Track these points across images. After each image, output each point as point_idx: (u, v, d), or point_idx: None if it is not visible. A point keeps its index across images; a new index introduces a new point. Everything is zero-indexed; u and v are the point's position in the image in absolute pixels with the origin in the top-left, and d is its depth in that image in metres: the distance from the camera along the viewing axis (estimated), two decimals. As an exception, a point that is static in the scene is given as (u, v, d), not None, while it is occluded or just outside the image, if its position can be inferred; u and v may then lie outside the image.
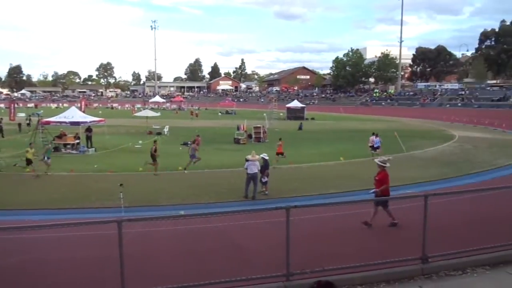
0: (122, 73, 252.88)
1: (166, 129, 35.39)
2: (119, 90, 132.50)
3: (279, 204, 6.23)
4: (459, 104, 66.19)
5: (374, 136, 22.97)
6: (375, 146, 22.55)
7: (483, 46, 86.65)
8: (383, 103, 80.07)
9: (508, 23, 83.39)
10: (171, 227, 8.93)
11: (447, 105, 67.60)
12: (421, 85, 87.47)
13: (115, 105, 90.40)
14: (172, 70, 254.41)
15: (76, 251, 7.56)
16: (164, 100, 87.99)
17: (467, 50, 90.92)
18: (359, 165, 20.57)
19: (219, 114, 65.45)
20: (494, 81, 77.20)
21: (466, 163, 20.76)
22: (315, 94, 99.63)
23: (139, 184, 15.74)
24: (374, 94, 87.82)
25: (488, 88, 70.25)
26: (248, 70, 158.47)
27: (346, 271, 5.76)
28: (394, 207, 8.66)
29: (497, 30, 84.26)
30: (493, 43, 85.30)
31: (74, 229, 7.85)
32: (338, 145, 28.46)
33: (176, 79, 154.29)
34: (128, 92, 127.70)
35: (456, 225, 8.27)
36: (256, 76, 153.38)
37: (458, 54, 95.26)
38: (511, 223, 7.82)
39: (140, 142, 27.78)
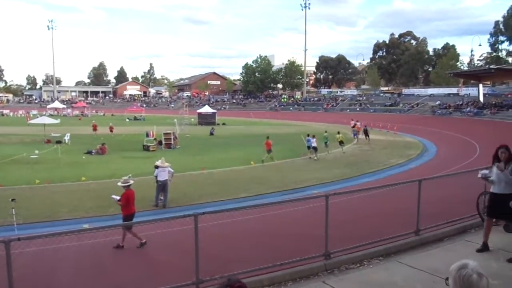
0: (14, 77, 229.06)
1: (67, 137, 32.90)
2: (10, 95, 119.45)
3: (190, 211, 6.19)
4: (358, 109, 72.10)
5: (311, 137, 25.22)
6: (312, 145, 24.74)
7: (376, 56, 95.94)
8: (291, 108, 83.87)
9: (396, 36, 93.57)
10: (75, 243, 8.32)
11: (347, 110, 73.20)
12: (324, 91, 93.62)
13: (5, 111, 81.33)
14: (74, 74, 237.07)
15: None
16: (64, 106, 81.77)
17: (363, 60, 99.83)
18: (269, 169, 21.29)
19: (127, 120, 62.68)
20: (386, 88, 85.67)
21: (364, 163, 22.67)
22: (226, 100, 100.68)
23: (35, 198, 14.40)
24: (282, 100, 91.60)
25: (382, 95, 77.69)
26: (158, 75, 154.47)
27: (254, 273, 5.93)
28: (301, 207, 9.12)
29: (387, 42, 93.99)
30: (384, 53, 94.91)
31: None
32: (249, 149, 29.09)
33: (78, 83, 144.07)
34: (22, 98, 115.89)
35: (354, 221, 9.00)
36: (166, 81, 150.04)
37: (355, 63, 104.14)
38: (400, 217, 8.74)
39: (37, 151, 25.38)
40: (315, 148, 24.87)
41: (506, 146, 6.41)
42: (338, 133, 30.29)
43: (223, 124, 56.22)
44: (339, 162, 23.71)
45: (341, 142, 28.24)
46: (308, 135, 26.06)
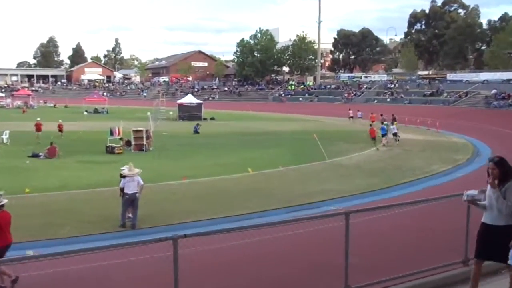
0: None
1: (5, 135, 32.94)
2: None
3: (168, 233, 6.21)
4: (388, 99, 72.43)
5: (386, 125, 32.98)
6: (393, 132, 32.67)
7: (413, 30, 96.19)
8: (300, 98, 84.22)
9: (439, 3, 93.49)
10: (20, 274, 8.35)
11: (375, 101, 73.51)
12: (344, 76, 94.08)
13: None
14: (15, 53, 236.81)
15: None
16: (2, 95, 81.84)
17: (395, 35, 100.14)
18: (272, 178, 21.32)
19: (85, 113, 62.74)
20: (426, 72, 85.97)
21: (395, 171, 22.73)
22: (215, 87, 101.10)
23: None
24: (289, 87, 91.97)
25: (420, 81, 78.08)
26: (125, 54, 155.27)
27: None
28: (313, 228, 9.15)
29: (427, 11, 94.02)
30: (423, 27, 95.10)
31: None
32: (246, 152, 29.15)
33: (20, 65, 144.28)
34: None
35: (382, 247, 9.02)
36: (136, 62, 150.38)
37: (385, 39, 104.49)
38: (442, 242, 8.77)
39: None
40: (395, 134, 33.41)
41: (499, 158, 6.13)
42: (370, 125, 34.14)
43: (212, 119, 56.27)
44: (362, 168, 23.76)
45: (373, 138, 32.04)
46: (382, 123, 34.22)
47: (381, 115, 41.84)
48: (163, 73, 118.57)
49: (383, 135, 32.94)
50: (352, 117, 53.72)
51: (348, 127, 47.67)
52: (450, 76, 75.69)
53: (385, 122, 35.99)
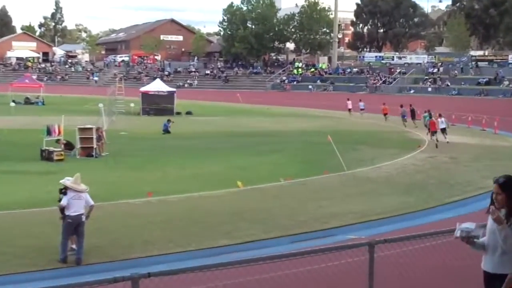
0: None
1: None
2: None
3: (126, 272, 6.17)
4: (429, 89, 72.68)
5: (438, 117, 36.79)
6: (440, 128, 35.89)
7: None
8: (310, 86, 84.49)
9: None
10: None
11: (411, 90, 73.77)
12: (370, 56, 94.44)
13: None
14: None
15: None
16: None
17: (440, 1, 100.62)
18: (271, 195, 21.31)
19: (12, 104, 62.30)
20: (481, 53, 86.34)
21: (440, 187, 22.72)
22: (193, 70, 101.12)
23: None
24: (295, 71, 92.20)
25: (472, 64, 78.36)
26: (70, 24, 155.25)
27: None
28: (326, 264, 9.13)
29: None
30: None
31: None
32: (235, 160, 29.20)
33: None
34: None
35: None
36: (84, 35, 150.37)
37: (426, 6, 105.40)
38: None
39: None
40: (443, 130, 36.03)
41: (507, 178, 5.94)
42: (430, 117, 38.28)
43: (188, 113, 56.22)
44: (394, 183, 23.76)
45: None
46: (426, 112, 39.57)
47: (410, 105, 47.06)
48: (122, 50, 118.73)
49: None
50: (350, 109, 56.95)
51: (373, 125, 47.74)
52: (514, 57, 76.13)
53: (425, 114, 40.61)
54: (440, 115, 38.29)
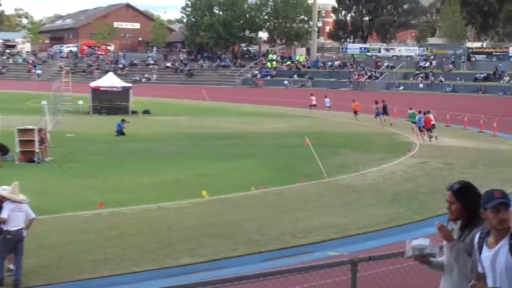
0: None
1: None
2: None
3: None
4: (421, 85, 73.30)
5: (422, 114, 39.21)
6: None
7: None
8: (285, 82, 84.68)
9: None
10: None
11: (401, 87, 74.41)
12: (354, 48, 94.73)
13: None
14: None
15: None
16: None
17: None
18: (241, 206, 21.36)
19: None
20: (479, 44, 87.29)
21: (432, 196, 22.80)
22: (152, 62, 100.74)
23: None
24: (269, 64, 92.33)
25: (468, 57, 79.02)
26: (8, 9, 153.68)
27: None
28: (301, 285, 9.12)
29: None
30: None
31: None
32: (199, 166, 29.17)
33: None
34: None
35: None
36: (25, 21, 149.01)
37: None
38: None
39: None
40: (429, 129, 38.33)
41: (462, 185, 5.89)
42: (426, 113, 39.51)
43: (146, 112, 55.95)
44: (381, 191, 23.88)
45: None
46: (420, 112, 39.89)
47: (383, 101, 48.95)
48: (69, 39, 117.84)
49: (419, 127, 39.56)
50: (314, 105, 58.78)
51: (358, 127, 48.01)
52: (514, 49, 77.13)
53: (410, 112, 42.53)
54: (426, 112, 40.11)
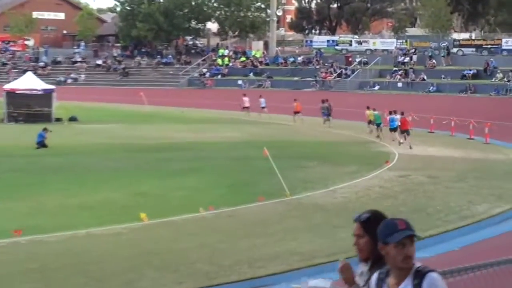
0: None
1: None
2: None
3: None
4: (400, 85, 73.85)
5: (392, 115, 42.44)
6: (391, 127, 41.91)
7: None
8: (239, 82, 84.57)
9: None
10: None
11: (376, 86, 74.90)
12: (320, 41, 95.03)
13: None
14: None
15: None
16: None
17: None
18: (186, 231, 21.35)
19: None
20: (466, 36, 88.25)
21: (414, 216, 22.95)
22: (79, 59, 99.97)
23: None
24: (220, 61, 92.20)
25: (455, 51, 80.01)
26: None
27: None
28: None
29: None
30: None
31: None
32: (135, 183, 29.17)
33: None
34: None
35: None
36: None
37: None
38: None
39: None
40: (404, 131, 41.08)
41: (372, 214, 5.75)
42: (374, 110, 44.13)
43: (72, 120, 55.48)
44: (354, 211, 23.76)
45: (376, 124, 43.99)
46: (391, 113, 42.59)
47: (323, 101, 53.39)
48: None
49: (392, 129, 42.30)
50: (247, 107, 61.55)
51: (328, 135, 48.23)
52: (508, 43, 77.82)
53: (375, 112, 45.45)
54: (394, 112, 42.75)
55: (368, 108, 46.29)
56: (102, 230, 20.99)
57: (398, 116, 41.94)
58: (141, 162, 35.44)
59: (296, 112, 54.35)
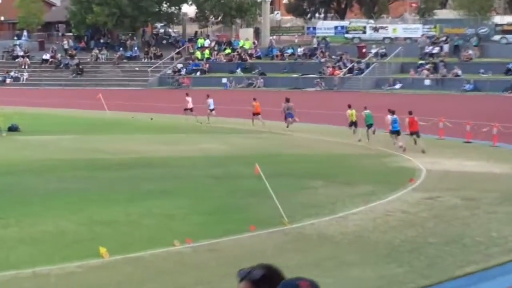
0: None
1: None
2: None
3: None
4: (427, 82, 74.05)
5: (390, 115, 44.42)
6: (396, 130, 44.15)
7: None
8: (224, 80, 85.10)
9: None
10: None
11: (397, 85, 75.06)
12: (325, 27, 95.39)
13: None
14: None
15: None
16: None
17: None
18: (156, 269, 21.36)
19: None
20: (511, 19, 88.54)
21: (447, 249, 23.10)
22: (21, 53, 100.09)
23: None
24: (198, 54, 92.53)
25: (498, 38, 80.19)
26: None
27: None
28: None
29: None
30: None
31: None
32: (93, 209, 29.07)
33: None
34: None
35: None
36: None
37: None
38: None
39: None
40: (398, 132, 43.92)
41: (268, 270, 5.25)
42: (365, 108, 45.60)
43: (12, 129, 55.57)
44: (369, 244, 24.01)
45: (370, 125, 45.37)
46: (393, 113, 44.85)
47: (287, 100, 55.14)
48: None
49: (394, 132, 45.05)
50: (190, 109, 63.87)
51: (335, 146, 48.26)
52: None
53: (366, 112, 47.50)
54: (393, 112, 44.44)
55: (349, 107, 48.05)
56: (50, 269, 20.91)
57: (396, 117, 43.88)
58: (100, 182, 35.34)
59: (255, 114, 55.95)
